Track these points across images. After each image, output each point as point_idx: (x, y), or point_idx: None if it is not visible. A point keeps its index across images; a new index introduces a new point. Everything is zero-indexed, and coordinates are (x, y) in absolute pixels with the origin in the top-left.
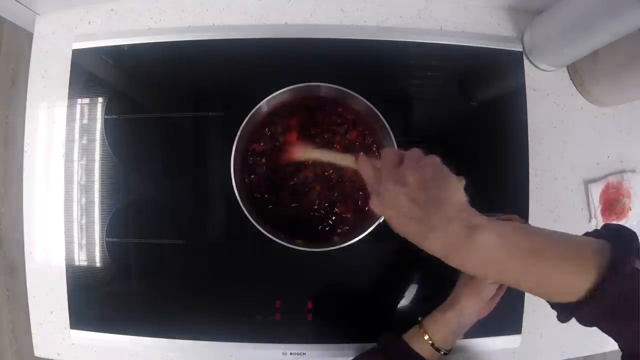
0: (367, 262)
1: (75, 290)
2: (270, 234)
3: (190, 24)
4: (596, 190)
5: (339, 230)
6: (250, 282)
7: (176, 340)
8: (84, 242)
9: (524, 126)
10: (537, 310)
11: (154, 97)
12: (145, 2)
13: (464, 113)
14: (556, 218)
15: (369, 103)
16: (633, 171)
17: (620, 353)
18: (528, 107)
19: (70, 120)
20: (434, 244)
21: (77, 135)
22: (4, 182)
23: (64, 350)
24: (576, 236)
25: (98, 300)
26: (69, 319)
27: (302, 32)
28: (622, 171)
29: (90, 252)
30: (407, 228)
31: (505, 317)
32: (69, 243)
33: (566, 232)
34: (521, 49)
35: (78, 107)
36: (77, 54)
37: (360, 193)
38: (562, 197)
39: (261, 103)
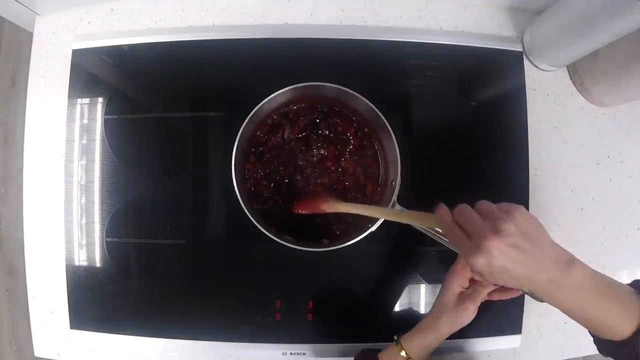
0: (368, 263)
1: (75, 290)
2: (270, 234)
3: (190, 24)
4: None
5: (338, 232)
6: (251, 282)
7: (176, 340)
8: (84, 242)
9: (524, 126)
10: (537, 310)
11: (153, 97)
12: (145, 2)
13: (464, 113)
14: (556, 218)
15: (369, 103)
16: None
17: None
18: (528, 107)
19: (70, 120)
20: (541, 282)
21: (77, 135)
22: (4, 182)
23: (64, 350)
24: (620, 283)
25: (98, 300)
26: (69, 319)
27: (302, 32)
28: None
29: (90, 252)
30: (516, 274)
31: (505, 317)
32: (69, 243)
33: (565, 232)
34: (521, 49)
35: (78, 107)
36: (77, 54)
37: (360, 193)
38: (562, 197)
39: (262, 103)
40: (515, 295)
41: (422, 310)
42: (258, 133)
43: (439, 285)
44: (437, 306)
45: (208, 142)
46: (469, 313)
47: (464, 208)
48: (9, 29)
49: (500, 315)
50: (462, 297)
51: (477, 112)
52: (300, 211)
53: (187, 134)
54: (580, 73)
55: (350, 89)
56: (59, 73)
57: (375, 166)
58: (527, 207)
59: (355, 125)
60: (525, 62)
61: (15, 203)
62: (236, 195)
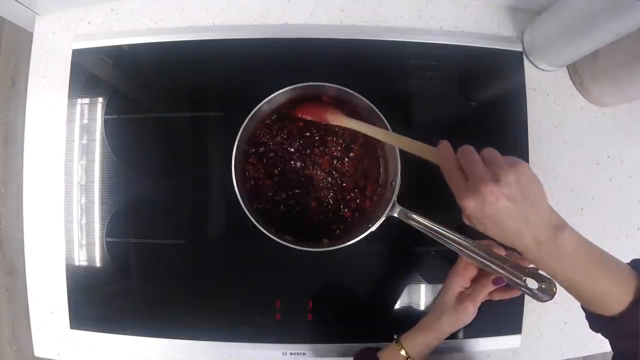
0: (368, 263)
1: (75, 290)
2: (270, 234)
3: (190, 24)
4: None
5: (338, 232)
6: (251, 282)
7: (176, 340)
8: (84, 242)
9: (524, 126)
10: (537, 310)
11: (153, 97)
12: (145, 2)
13: (464, 113)
14: None
15: (370, 103)
16: None
17: None
18: (528, 107)
19: (70, 120)
20: (527, 241)
21: (77, 135)
22: (4, 182)
23: (64, 350)
24: (616, 258)
25: (98, 300)
26: (69, 319)
27: (302, 32)
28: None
29: (90, 252)
30: (506, 227)
31: (505, 317)
32: (69, 243)
33: None
34: (521, 49)
35: (78, 107)
36: (77, 54)
37: (360, 193)
38: (562, 197)
39: (262, 103)
40: (515, 295)
41: (422, 310)
42: (258, 133)
43: (439, 285)
44: (438, 306)
45: (208, 142)
46: (469, 313)
47: (468, 149)
48: (9, 29)
49: (500, 315)
50: (462, 297)
51: (477, 112)
52: (302, 115)
53: (187, 134)
54: (580, 73)
55: (350, 89)
56: (59, 73)
57: (375, 166)
58: None
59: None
60: (525, 62)
61: (15, 203)
62: (236, 195)
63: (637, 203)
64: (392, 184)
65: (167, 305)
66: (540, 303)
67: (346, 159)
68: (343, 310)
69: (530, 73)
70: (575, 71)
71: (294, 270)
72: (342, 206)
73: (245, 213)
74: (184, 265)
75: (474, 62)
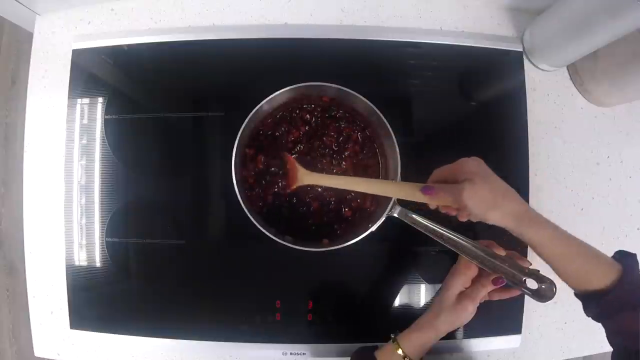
0: (368, 263)
1: (75, 290)
2: (270, 234)
3: (190, 24)
4: None
5: (338, 232)
6: (251, 282)
7: (176, 340)
8: (84, 242)
9: (524, 126)
10: (537, 310)
11: (154, 97)
12: (145, 2)
13: (464, 113)
14: (556, 218)
15: (369, 103)
16: None
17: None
18: (528, 107)
19: (70, 120)
20: (502, 218)
21: (77, 135)
22: (4, 182)
23: (64, 350)
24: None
25: (98, 300)
26: (69, 319)
27: (302, 32)
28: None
29: (90, 252)
30: (482, 206)
31: (505, 317)
32: (69, 243)
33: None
34: (521, 49)
35: (78, 107)
36: (77, 54)
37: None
38: (562, 197)
39: (262, 103)
40: (514, 295)
41: (423, 309)
42: (258, 133)
43: (439, 285)
44: (437, 305)
45: (208, 142)
46: (468, 312)
47: (435, 171)
48: (9, 29)
49: (500, 315)
50: (461, 297)
51: (477, 112)
52: (290, 190)
53: (187, 134)
54: (580, 73)
55: (350, 89)
56: (59, 73)
57: (375, 166)
58: None
59: (355, 125)
60: (525, 62)
61: (16, 203)
62: (236, 196)
63: (637, 203)
64: None
65: (166, 305)
66: (540, 303)
67: (346, 158)
68: (343, 310)
69: (530, 73)
70: (575, 71)
71: (294, 271)
72: (342, 206)
73: (245, 213)
74: (184, 266)
75: (474, 62)
